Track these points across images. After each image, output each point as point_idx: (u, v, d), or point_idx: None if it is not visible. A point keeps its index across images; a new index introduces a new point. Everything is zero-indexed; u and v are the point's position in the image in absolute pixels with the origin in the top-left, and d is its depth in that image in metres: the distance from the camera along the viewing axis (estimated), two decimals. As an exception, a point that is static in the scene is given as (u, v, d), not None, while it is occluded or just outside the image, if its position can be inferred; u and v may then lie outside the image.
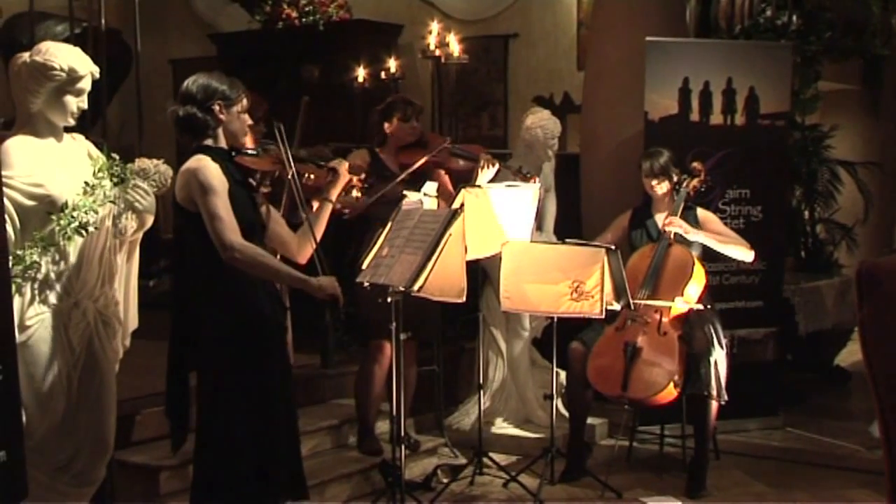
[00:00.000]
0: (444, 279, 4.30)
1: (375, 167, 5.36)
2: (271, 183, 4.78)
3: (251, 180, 4.12)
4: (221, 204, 3.57)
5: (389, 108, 5.53)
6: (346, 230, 5.33)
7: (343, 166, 4.07)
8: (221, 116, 3.72)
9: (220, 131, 3.74)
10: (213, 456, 3.75)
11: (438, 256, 4.08)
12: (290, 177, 3.87)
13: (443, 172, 5.50)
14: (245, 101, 3.78)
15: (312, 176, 4.08)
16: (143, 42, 6.02)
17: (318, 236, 3.90)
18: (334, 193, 4.03)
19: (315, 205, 4.16)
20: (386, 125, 5.50)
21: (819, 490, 5.39)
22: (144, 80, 6.32)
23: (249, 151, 3.89)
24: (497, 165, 5.41)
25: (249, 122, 3.84)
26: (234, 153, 3.81)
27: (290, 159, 3.86)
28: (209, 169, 3.61)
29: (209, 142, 3.74)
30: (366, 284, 4.29)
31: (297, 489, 3.93)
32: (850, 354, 7.86)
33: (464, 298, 4.44)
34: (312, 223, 3.93)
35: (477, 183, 5.24)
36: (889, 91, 9.06)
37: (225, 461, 3.72)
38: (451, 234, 4.14)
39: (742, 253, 5.51)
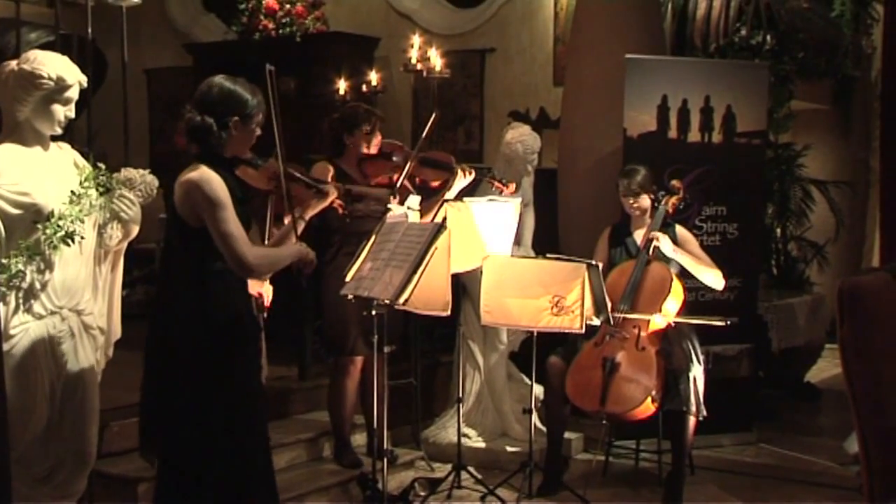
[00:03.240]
0: (428, 292, 4.32)
1: (339, 179, 5.31)
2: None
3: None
4: (231, 219, 3.46)
5: (351, 118, 5.42)
6: (322, 241, 5.32)
7: (332, 194, 3.98)
8: (235, 133, 3.57)
9: (228, 144, 3.59)
10: (180, 471, 3.65)
11: (424, 270, 4.09)
12: (283, 193, 3.82)
13: (407, 183, 5.41)
14: (261, 117, 3.64)
15: (299, 193, 4.01)
16: (118, 51, 6.00)
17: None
18: (309, 213, 3.93)
19: (287, 219, 4.10)
20: (346, 136, 5.41)
21: (792, 505, 5.46)
22: (119, 89, 6.29)
23: (250, 161, 3.81)
24: (471, 175, 5.39)
25: (258, 133, 3.69)
26: (234, 162, 3.70)
27: (283, 174, 3.81)
28: (214, 182, 3.48)
29: (214, 152, 3.59)
30: (350, 297, 4.29)
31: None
32: (820, 371, 7.96)
33: (449, 312, 4.45)
34: (284, 237, 3.88)
35: (449, 193, 5.24)
36: (859, 111, 9.19)
37: (192, 477, 3.62)
38: (436, 248, 4.16)
39: (715, 280, 5.56)
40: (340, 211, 4.27)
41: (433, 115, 5.33)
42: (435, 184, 5.42)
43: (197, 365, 3.58)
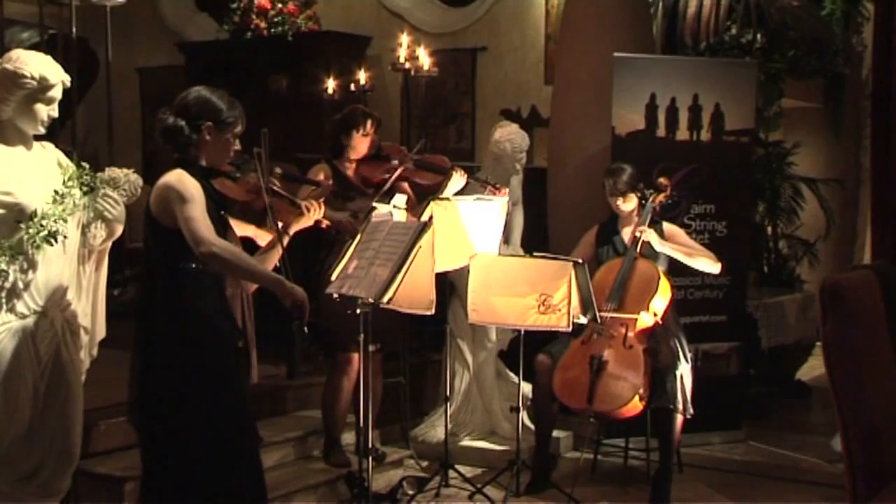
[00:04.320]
0: (413, 291, 4.32)
1: (336, 180, 5.37)
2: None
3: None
4: (199, 209, 3.50)
5: (349, 120, 5.50)
6: (315, 239, 5.33)
7: (313, 211, 4.02)
8: (208, 138, 3.62)
9: (202, 149, 3.65)
10: (162, 475, 3.67)
11: (408, 269, 4.09)
12: (267, 205, 3.85)
13: (406, 185, 5.49)
14: (238, 129, 3.69)
15: (280, 207, 4.05)
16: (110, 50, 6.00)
17: (272, 266, 3.87)
18: (293, 229, 3.98)
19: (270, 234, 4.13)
20: (344, 137, 5.48)
21: (781, 503, 5.45)
22: (112, 88, 6.29)
23: (229, 173, 3.84)
24: (465, 177, 5.44)
25: (237, 147, 3.75)
26: (212, 172, 3.73)
27: (266, 188, 3.83)
28: (188, 181, 3.55)
29: (190, 157, 3.66)
30: (335, 296, 4.29)
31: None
32: (811, 369, 7.96)
33: (433, 310, 4.46)
34: (268, 252, 3.92)
35: (444, 195, 5.26)
36: (850, 109, 9.17)
37: (173, 481, 3.64)
38: (420, 247, 4.16)
39: (709, 265, 5.58)
40: (324, 226, 4.30)
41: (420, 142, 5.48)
42: (428, 184, 5.46)
43: (173, 364, 3.60)
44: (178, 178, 3.56)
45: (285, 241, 3.92)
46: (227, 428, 3.66)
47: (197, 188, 3.55)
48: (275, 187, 3.94)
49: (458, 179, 5.43)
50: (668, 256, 5.57)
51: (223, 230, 3.71)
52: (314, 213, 4.04)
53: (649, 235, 5.45)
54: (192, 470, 3.62)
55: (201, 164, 3.67)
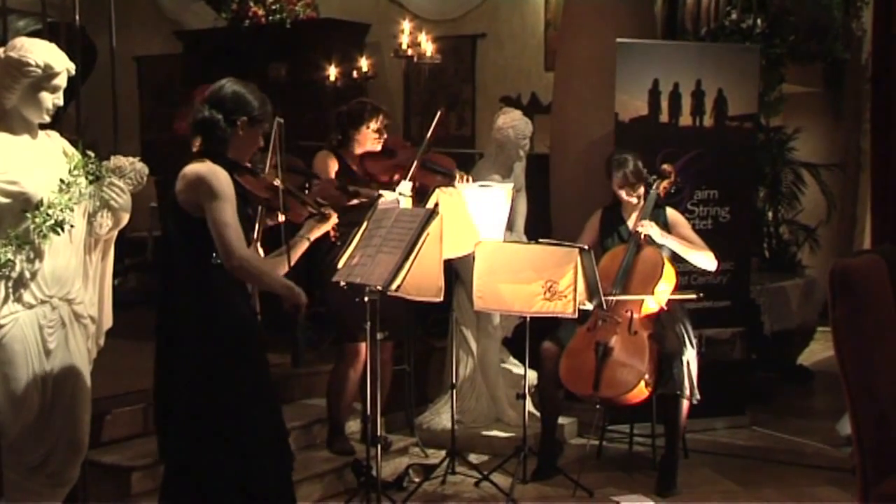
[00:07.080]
0: (421, 278, 4.31)
1: (340, 171, 5.33)
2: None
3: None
4: (231, 212, 3.50)
5: (358, 113, 5.44)
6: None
7: (334, 217, 3.99)
8: (241, 133, 3.63)
9: (232, 143, 3.65)
10: (189, 470, 3.64)
11: (416, 256, 4.07)
12: (279, 206, 3.81)
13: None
14: (267, 126, 3.71)
15: (294, 208, 4.00)
16: (108, 38, 5.97)
17: (288, 268, 3.83)
18: (314, 234, 3.96)
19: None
20: (352, 131, 5.44)
21: (786, 487, 5.45)
22: (109, 76, 6.26)
23: (252, 169, 3.81)
24: (471, 183, 5.41)
25: (261, 144, 3.76)
26: (236, 166, 3.70)
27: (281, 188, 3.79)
28: (220, 176, 3.53)
29: (219, 149, 3.64)
30: (342, 284, 4.28)
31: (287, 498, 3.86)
32: (812, 354, 7.99)
33: (442, 297, 4.44)
34: (288, 255, 3.85)
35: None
36: (850, 94, 9.19)
37: (201, 475, 3.62)
38: (428, 234, 4.15)
39: (707, 261, 5.57)
40: (333, 236, 4.27)
41: (438, 114, 5.37)
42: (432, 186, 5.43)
43: (201, 359, 3.57)
44: (211, 171, 3.53)
45: (304, 245, 3.90)
46: (255, 427, 3.64)
47: (229, 185, 3.54)
48: (290, 188, 3.89)
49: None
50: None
51: (251, 228, 3.72)
52: (333, 219, 3.99)
53: (650, 229, 5.43)
54: (225, 460, 3.60)
55: (227, 157, 3.65)
